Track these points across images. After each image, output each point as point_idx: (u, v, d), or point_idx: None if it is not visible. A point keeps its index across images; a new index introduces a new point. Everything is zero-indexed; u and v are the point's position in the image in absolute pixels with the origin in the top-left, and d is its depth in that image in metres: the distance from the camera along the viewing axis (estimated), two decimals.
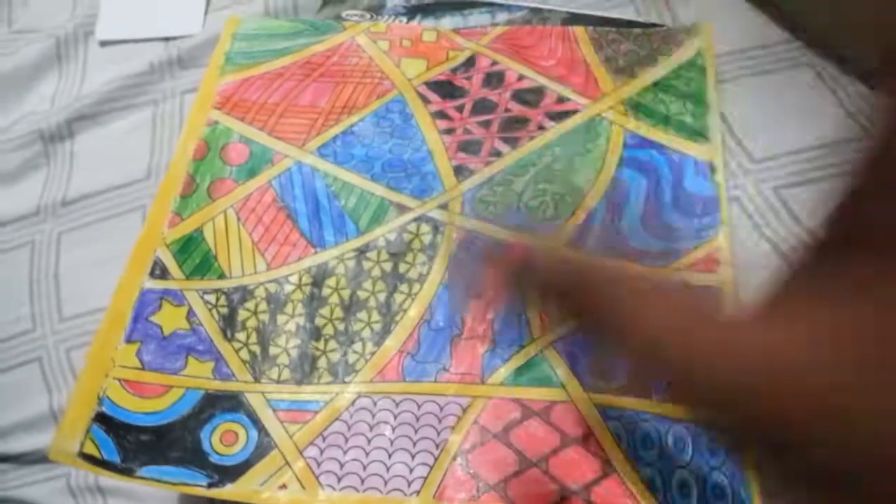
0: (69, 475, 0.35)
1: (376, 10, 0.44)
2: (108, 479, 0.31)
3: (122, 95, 0.44)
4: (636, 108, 0.38)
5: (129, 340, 0.33)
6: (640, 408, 0.29)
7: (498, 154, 0.37)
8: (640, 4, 0.43)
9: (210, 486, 0.29)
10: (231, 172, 0.37)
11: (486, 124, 0.38)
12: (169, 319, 0.33)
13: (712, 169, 0.35)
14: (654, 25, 0.41)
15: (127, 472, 0.29)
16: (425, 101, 0.39)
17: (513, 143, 0.37)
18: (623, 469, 0.28)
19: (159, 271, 0.34)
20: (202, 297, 0.34)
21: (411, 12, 0.44)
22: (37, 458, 0.36)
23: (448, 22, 0.44)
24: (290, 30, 0.43)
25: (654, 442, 0.29)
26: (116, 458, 0.29)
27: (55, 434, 0.30)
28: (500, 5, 0.44)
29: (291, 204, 0.36)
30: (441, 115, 0.39)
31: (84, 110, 0.44)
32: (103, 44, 0.47)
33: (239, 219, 0.36)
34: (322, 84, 0.40)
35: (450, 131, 0.38)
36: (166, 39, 0.46)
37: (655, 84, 0.38)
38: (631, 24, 0.42)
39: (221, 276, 0.34)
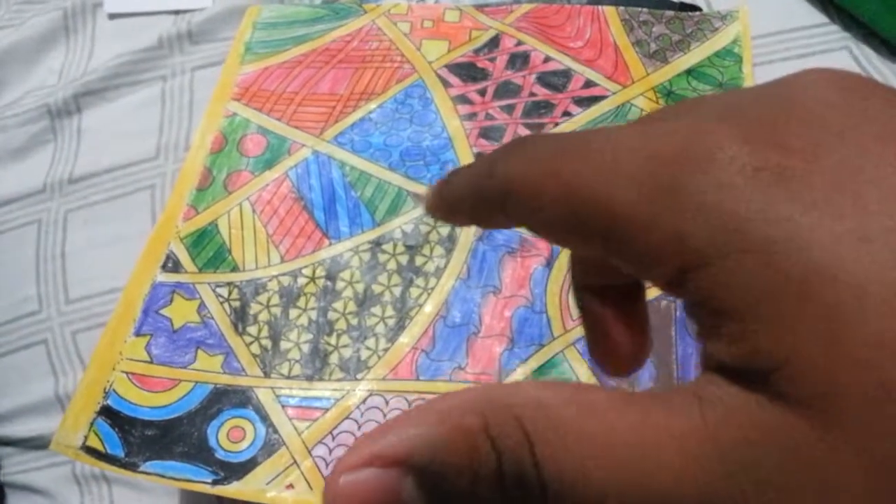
0: (75, 462, 0.35)
1: None
2: None
3: (131, 70, 0.43)
4: (668, 95, 0.36)
5: (138, 334, 0.32)
6: None
7: None
8: None
9: (215, 483, 0.28)
10: (248, 164, 0.36)
11: (510, 109, 0.37)
12: (179, 313, 0.32)
13: None
14: (686, 6, 0.39)
15: (130, 466, 0.28)
16: (446, 84, 0.38)
17: (537, 130, 0.36)
18: None
19: (172, 265, 0.33)
20: (214, 291, 0.32)
21: None
22: (41, 444, 0.35)
23: None
24: (310, 16, 0.41)
25: None
26: (120, 453, 0.29)
27: (58, 426, 0.29)
28: None
29: (307, 195, 0.35)
30: (462, 99, 0.37)
31: (92, 85, 0.43)
32: (112, 16, 0.45)
33: (254, 211, 0.35)
34: (341, 70, 0.39)
35: (471, 116, 0.37)
36: (176, 13, 0.44)
37: (689, 71, 0.36)
38: (661, 3, 0.40)
39: (234, 269, 0.33)
